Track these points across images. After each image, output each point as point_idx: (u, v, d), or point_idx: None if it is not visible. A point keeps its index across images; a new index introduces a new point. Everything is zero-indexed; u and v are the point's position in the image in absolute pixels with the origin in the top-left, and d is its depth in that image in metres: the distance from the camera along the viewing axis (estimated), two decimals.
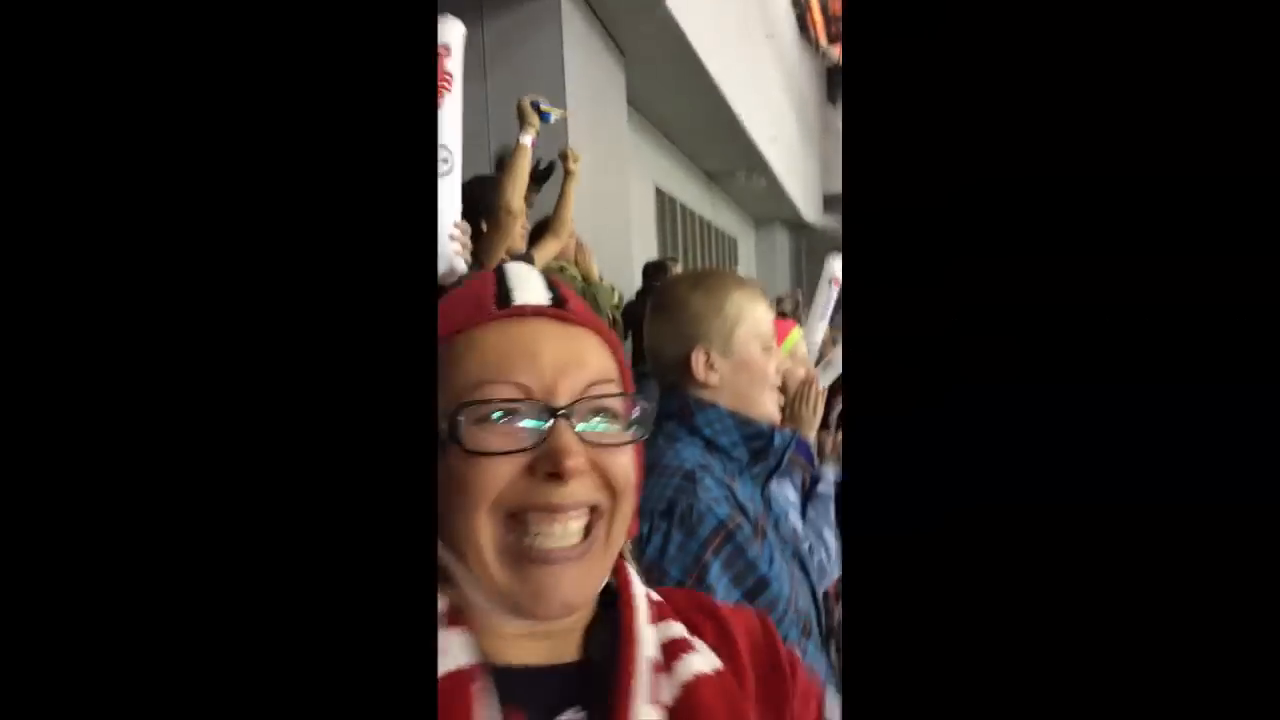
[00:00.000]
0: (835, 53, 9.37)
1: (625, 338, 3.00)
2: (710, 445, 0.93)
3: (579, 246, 2.79)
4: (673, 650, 0.43)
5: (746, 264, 8.98)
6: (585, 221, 3.36)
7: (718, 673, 0.43)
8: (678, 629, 0.44)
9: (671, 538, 0.82)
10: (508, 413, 0.41)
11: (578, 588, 0.42)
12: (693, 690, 0.41)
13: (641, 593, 0.45)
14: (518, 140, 1.79)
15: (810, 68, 8.77)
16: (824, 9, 8.67)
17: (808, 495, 1.19)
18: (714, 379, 0.95)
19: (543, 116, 1.84)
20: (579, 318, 0.45)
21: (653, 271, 3.47)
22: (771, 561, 0.85)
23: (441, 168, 1.19)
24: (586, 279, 2.67)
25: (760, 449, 0.95)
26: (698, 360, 0.94)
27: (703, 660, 0.43)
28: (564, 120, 2.36)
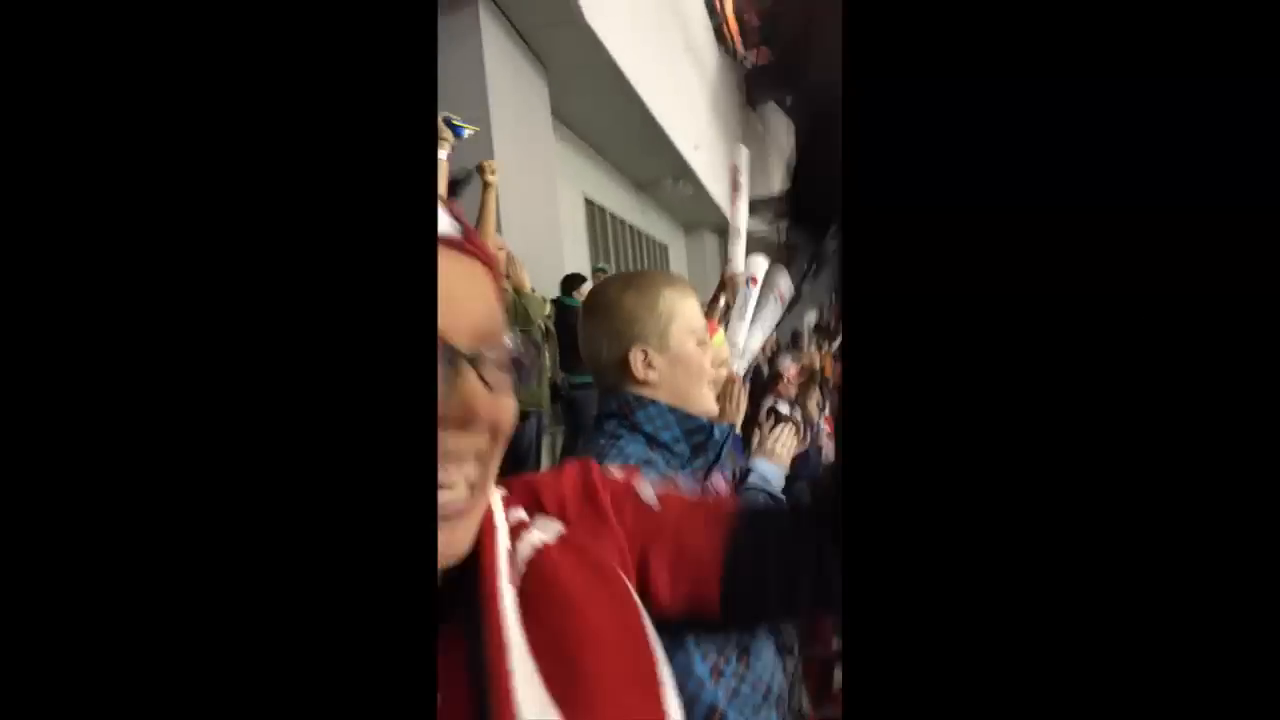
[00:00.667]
0: (752, 59, 9.57)
1: (558, 348, 3.02)
2: (652, 441, 0.93)
3: (509, 259, 2.80)
4: (515, 534, 0.44)
5: (678, 269, 9.05)
6: (515, 233, 3.37)
7: (559, 537, 0.45)
8: (517, 514, 0.46)
9: None
10: None
11: (467, 536, 0.41)
12: (535, 564, 0.43)
13: (499, 510, 0.45)
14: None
15: (728, 75, 8.96)
16: (739, 18, 8.87)
17: (737, 487, 1.23)
18: (653, 376, 0.96)
19: (456, 131, 1.87)
20: (478, 250, 0.44)
21: (569, 284, 3.48)
22: None
23: None
24: (518, 291, 2.68)
25: (701, 443, 0.96)
26: (636, 359, 0.95)
27: (540, 532, 0.45)
28: (485, 134, 2.35)
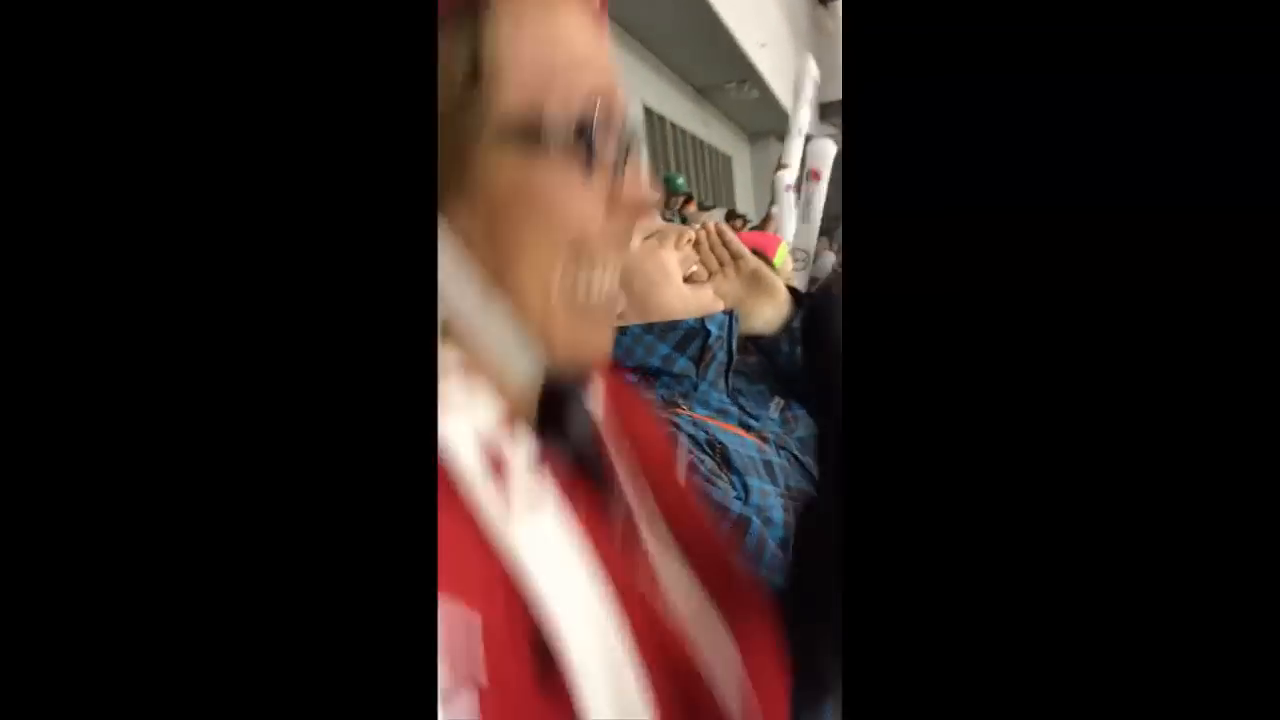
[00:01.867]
0: None
1: None
2: (643, 375, 0.77)
3: None
4: None
5: (742, 181, 8.77)
6: None
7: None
8: None
9: None
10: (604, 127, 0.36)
11: (609, 339, 0.40)
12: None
13: None
14: None
15: None
16: None
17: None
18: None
19: None
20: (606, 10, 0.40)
21: None
22: (746, 493, 0.70)
23: None
24: None
25: (700, 349, 0.77)
26: None
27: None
28: None
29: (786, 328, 0.86)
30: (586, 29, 0.37)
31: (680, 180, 4.80)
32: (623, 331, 0.76)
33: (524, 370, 0.38)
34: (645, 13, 4.86)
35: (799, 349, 0.84)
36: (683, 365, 0.77)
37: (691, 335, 0.77)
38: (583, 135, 0.35)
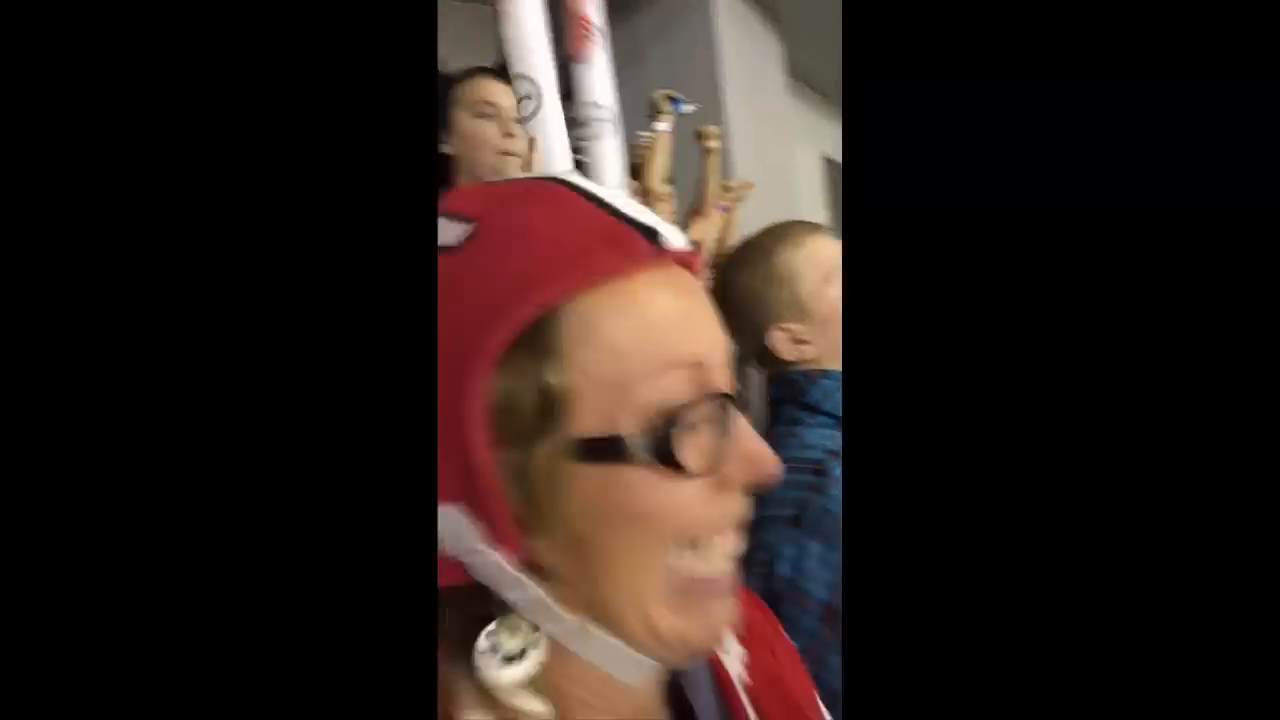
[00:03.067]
0: None
1: None
2: (839, 420, 0.80)
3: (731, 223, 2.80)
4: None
5: None
6: (750, 198, 3.33)
7: (747, 660, 0.42)
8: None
9: (807, 550, 0.69)
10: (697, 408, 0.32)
11: (732, 614, 0.35)
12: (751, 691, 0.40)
13: None
14: (654, 127, 1.87)
15: None
16: None
17: None
18: (809, 351, 0.81)
19: (675, 106, 1.93)
20: (687, 257, 0.36)
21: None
22: None
23: (598, 126, 1.24)
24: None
25: None
26: (779, 342, 0.81)
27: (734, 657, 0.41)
28: (717, 103, 2.35)
29: None
30: (668, 317, 0.33)
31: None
32: (825, 375, 0.80)
33: (639, 678, 0.35)
34: (825, 69, 4.91)
35: None
36: None
37: None
38: (663, 445, 0.31)
